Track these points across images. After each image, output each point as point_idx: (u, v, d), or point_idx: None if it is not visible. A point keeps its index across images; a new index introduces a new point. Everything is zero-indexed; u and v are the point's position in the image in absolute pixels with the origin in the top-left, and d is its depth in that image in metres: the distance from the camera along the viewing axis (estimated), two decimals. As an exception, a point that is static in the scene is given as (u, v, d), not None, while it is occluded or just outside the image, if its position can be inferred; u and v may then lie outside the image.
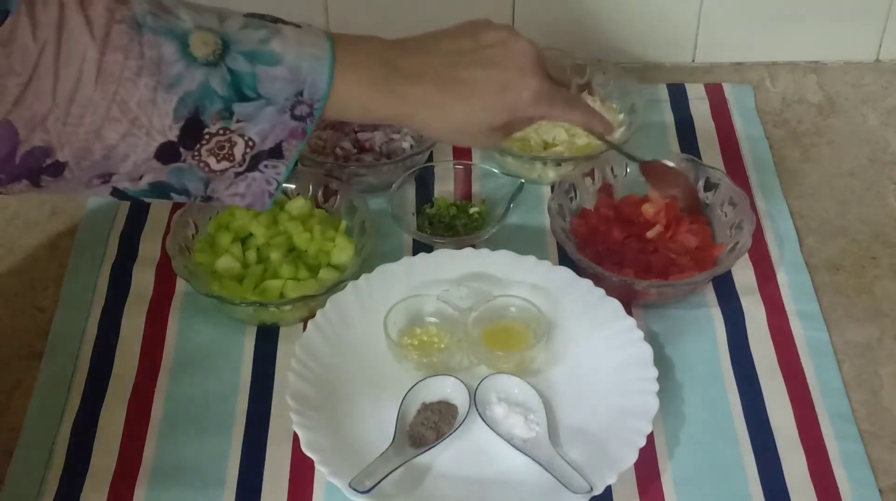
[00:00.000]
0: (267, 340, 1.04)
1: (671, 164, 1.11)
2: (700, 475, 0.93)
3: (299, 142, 0.85)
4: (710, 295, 1.08)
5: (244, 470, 0.94)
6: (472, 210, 1.15)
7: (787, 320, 1.05)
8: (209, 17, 0.81)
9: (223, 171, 0.84)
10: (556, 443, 0.92)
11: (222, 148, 0.83)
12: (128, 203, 1.17)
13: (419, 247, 1.11)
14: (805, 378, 1.00)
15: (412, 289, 1.02)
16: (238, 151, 0.83)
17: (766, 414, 0.97)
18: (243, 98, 0.82)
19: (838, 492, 0.91)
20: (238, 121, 0.82)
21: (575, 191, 1.11)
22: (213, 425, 0.97)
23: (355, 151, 1.19)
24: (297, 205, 1.11)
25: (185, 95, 0.80)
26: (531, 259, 1.04)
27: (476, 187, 1.18)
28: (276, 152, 0.85)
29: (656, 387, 0.94)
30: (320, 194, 1.13)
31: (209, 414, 0.98)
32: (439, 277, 1.03)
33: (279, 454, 0.95)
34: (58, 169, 0.79)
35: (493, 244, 1.08)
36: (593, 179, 1.13)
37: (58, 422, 0.97)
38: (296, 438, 0.91)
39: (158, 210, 1.16)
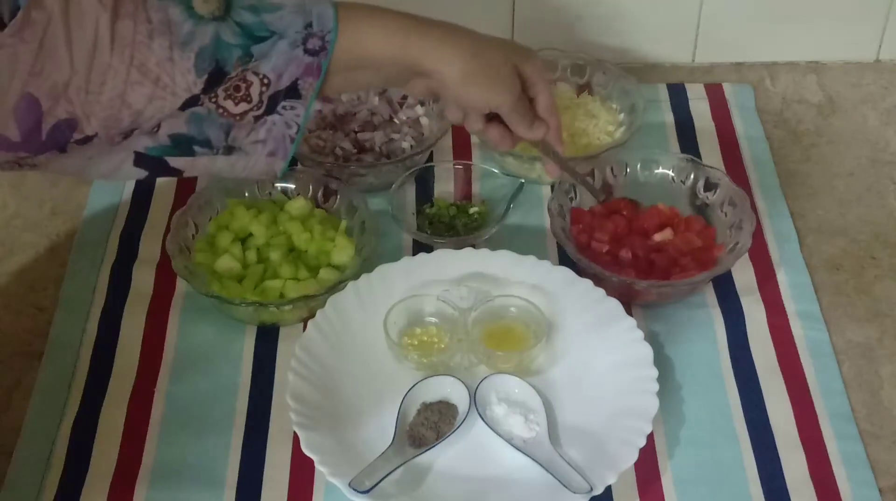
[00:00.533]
0: (267, 340, 1.04)
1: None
2: (700, 475, 0.93)
3: (315, 79, 0.86)
4: (710, 295, 1.08)
5: (244, 470, 0.94)
6: (472, 210, 1.15)
7: (787, 320, 1.05)
8: None
9: (242, 114, 0.85)
10: (556, 443, 0.93)
11: (238, 89, 0.84)
12: (128, 203, 1.17)
13: (419, 247, 1.11)
14: (805, 378, 1.00)
15: (412, 289, 1.02)
16: (254, 91, 0.84)
17: (766, 414, 0.97)
18: (258, 39, 0.83)
19: (838, 492, 0.91)
20: (257, 59, 0.84)
21: (575, 191, 1.11)
22: (213, 425, 0.97)
23: (355, 151, 1.19)
24: (297, 205, 1.11)
25: (201, 50, 0.81)
26: (531, 259, 1.04)
27: (476, 187, 1.18)
28: (292, 91, 0.85)
29: (656, 387, 0.93)
30: (320, 194, 1.13)
31: (209, 414, 0.98)
32: (439, 277, 1.03)
33: (279, 454, 0.95)
34: (86, 141, 0.80)
35: (493, 244, 1.08)
36: (593, 179, 1.13)
37: (58, 422, 0.97)
38: (296, 438, 0.91)
39: (158, 210, 1.16)
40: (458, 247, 1.07)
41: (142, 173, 0.89)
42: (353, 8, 0.87)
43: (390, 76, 0.92)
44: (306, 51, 0.84)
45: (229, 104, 0.84)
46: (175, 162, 0.89)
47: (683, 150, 1.23)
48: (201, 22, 0.81)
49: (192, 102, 0.83)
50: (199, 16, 0.81)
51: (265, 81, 0.84)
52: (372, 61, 0.90)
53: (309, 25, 0.84)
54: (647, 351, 0.96)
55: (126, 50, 0.79)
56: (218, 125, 0.85)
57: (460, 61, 0.90)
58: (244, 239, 1.09)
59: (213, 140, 0.86)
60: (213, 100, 0.84)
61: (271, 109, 0.86)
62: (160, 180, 1.19)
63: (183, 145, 0.86)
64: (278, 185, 1.13)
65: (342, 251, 1.07)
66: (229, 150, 0.87)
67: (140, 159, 0.86)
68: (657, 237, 1.07)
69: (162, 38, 0.80)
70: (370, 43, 0.88)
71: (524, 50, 0.95)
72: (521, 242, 1.11)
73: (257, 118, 0.86)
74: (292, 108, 0.86)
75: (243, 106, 0.84)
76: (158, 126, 0.84)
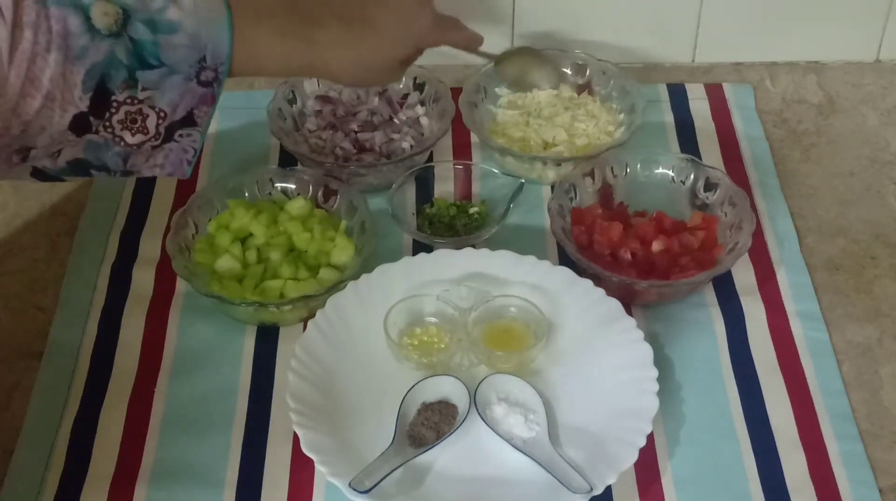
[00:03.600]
0: (267, 340, 1.04)
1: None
2: (700, 475, 0.93)
3: (210, 107, 0.88)
4: (710, 295, 1.08)
5: (244, 470, 0.94)
6: (472, 210, 1.15)
7: (787, 320, 1.05)
8: None
9: (140, 145, 0.87)
10: (556, 443, 0.92)
11: (135, 121, 0.85)
12: (128, 203, 1.17)
13: (419, 247, 1.11)
14: (805, 378, 1.00)
15: (412, 289, 1.02)
16: (151, 123, 0.85)
17: (766, 414, 0.97)
18: (146, 66, 0.84)
19: (838, 492, 0.91)
20: (143, 89, 0.84)
21: (575, 191, 1.11)
22: (213, 425, 0.97)
23: (355, 151, 1.19)
24: (297, 205, 1.11)
25: (92, 67, 0.82)
26: (531, 259, 1.04)
27: (476, 187, 1.18)
28: (188, 121, 0.87)
29: (656, 387, 0.93)
30: (320, 194, 1.13)
31: (209, 414, 0.98)
32: (439, 277, 1.03)
33: (279, 454, 0.95)
34: None
35: (493, 244, 1.08)
36: (593, 179, 1.13)
37: (58, 422, 0.97)
38: (296, 438, 0.91)
39: (158, 210, 1.16)
40: (458, 247, 1.07)
41: (37, 182, 0.90)
42: (249, 29, 0.88)
43: (290, 75, 0.96)
44: (200, 83, 0.86)
45: (126, 135, 0.86)
46: (70, 179, 0.91)
47: (683, 150, 1.23)
48: (97, 37, 0.82)
49: (81, 121, 0.84)
50: (96, 30, 0.82)
51: (161, 114, 0.86)
52: (268, 73, 0.93)
53: (203, 59, 0.86)
54: (647, 351, 0.96)
55: (24, 63, 0.80)
56: (115, 153, 0.87)
57: (351, 72, 0.95)
58: (244, 239, 1.09)
59: (110, 166, 0.88)
60: (109, 130, 0.85)
61: (168, 138, 0.88)
62: (160, 180, 1.19)
63: (80, 169, 0.88)
64: (278, 185, 1.13)
65: (342, 251, 1.07)
66: (127, 173, 0.90)
67: (37, 173, 0.88)
68: (655, 247, 1.07)
69: (58, 51, 0.81)
70: (265, 64, 0.90)
71: (418, 31, 0.97)
72: (521, 242, 1.11)
73: (154, 147, 0.88)
74: (189, 135, 0.89)
75: (140, 137, 0.87)
76: (59, 153, 0.85)
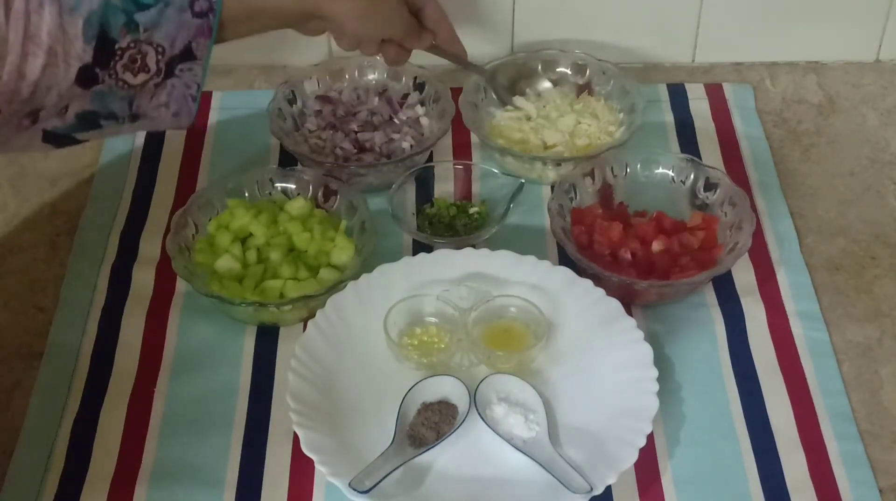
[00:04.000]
0: (267, 340, 1.04)
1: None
2: (700, 475, 0.93)
3: (207, 39, 0.88)
4: (710, 295, 1.08)
5: (244, 470, 0.94)
6: (472, 210, 1.15)
7: (787, 320, 1.05)
8: None
9: (143, 84, 0.87)
10: (556, 443, 0.93)
11: (135, 61, 0.86)
12: (128, 203, 1.17)
13: (419, 247, 1.11)
14: (805, 378, 1.00)
15: (412, 289, 1.02)
16: (151, 60, 0.86)
17: (766, 414, 0.97)
18: (141, 6, 0.84)
19: (838, 492, 0.91)
20: (145, 30, 0.85)
21: (575, 191, 1.11)
22: (213, 425, 0.97)
23: (355, 151, 1.19)
24: (297, 205, 1.11)
25: (90, 15, 0.82)
26: (531, 259, 1.04)
27: (476, 187, 1.18)
28: (187, 54, 0.88)
29: (656, 387, 0.93)
30: (320, 194, 1.13)
31: (209, 414, 0.98)
32: (439, 277, 1.03)
33: (279, 454, 0.95)
34: None
35: (493, 244, 1.08)
36: (593, 179, 1.13)
37: (58, 422, 0.97)
38: (296, 438, 0.91)
39: (158, 210, 1.16)
40: (458, 247, 1.07)
41: (50, 148, 0.91)
42: None
43: (288, 21, 0.96)
44: (194, 13, 0.87)
45: (128, 76, 0.87)
46: (82, 135, 0.91)
47: (683, 150, 1.23)
48: None
49: (87, 74, 0.84)
50: None
51: (160, 49, 0.87)
52: (266, 11, 0.93)
53: None
54: (647, 351, 0.96)
55: (20, 21, 0.80)
56: (120, 98, 0.88)
57: (355, 4, 0.96)
58: (244, 239, 1.08)
59: (117, 112, 0.89)
60: (113, 76, 0.86)
61: (169, 73, 0.89)
62: (160, 180, 1.19)
63: (89, 121, 0.89)
64: (278, 185, 1.13)
65: (342, 251, 1.07)
66: (134, 118, 0.90)
67: (48, 136, 0.89)
68: (655, 247, 1.07)
69: (52, 4, 0.81)
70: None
71: None
72: (521, 242, 1.10)
73: (157, 85, 0.89)
74: (189, 69, 0.89)
75: (142, 76, 0.87)
76: (66, 108, 0.85)
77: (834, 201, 1.19)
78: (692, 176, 1.12)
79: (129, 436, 0.96)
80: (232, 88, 1.33)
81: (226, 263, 1.05)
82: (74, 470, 0.94)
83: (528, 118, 1.23)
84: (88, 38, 0.83)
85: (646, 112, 1.20)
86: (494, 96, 1.23)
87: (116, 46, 0.84)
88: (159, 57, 0.87)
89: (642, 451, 0.90)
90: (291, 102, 1.22)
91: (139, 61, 0.86)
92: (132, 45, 0.85)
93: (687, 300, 1.07)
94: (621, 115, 1.22)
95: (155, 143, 1.24)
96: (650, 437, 0.91)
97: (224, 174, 1.17)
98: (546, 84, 1.27)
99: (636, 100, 1.21)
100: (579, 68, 1.26)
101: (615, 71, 1.25)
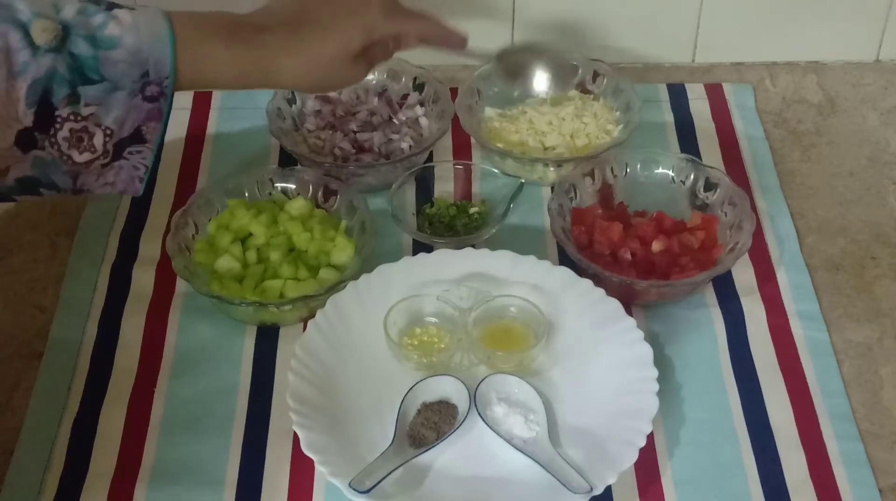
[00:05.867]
0: (267, 340, 1.04)
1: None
2: (700, 475, 0.93)
3: (158, 123, 0.87)
4: (710, 295, 1.08)
5: (244, 470, 0.94)
6: (472, 210, 1.15)
7: (787, 320, 1.05)
8: (46, 6, 0.83)
9: (88, 163, 0.86)
10: (556, 443, 0.93)
11: (81, 140, 0.85)
12: (128, 203, 1.17)
13: (419, 247, 1.11)
14: (805, 378, 1.00)
15: (412, 289, 1.02)
16: (98, 141, 0.85)
17: (766, 414, 0.97)
18: (87, 81, 0.83)
19: (838, 492, 0.91)
20: (87, 104, 0.84)
21: (575, 191, 1.11)
22: (213, 425, 0.97)
23: (354, 151, 1.19)
24: (297, 205, 1.11)
25: (34, 82, 0.82)
26: (531, 259, 1.04)
27: (476, 187, 1.18)
28: (137, 137, 0.87)
29: (656, 387, 0.93)
30: (320, 194, 1.13)
31: (209, 414, 0.98)
32: (439, 277, 1.03)
33: (279, 454, 0.95)
34: None
35: (493, 244, 1.08)
36: (593, 180, 1.13)
37: (58, 422, 0.97)
38: (296, 438, 0.91)
39: (158, 210, 1.16)
40: (458, 247, 1.07)
41: None
42: (192, 42, 0.87)
43: (244, 86, 0.93)
44: (145, 98, 0.86)
45: (74, 154, 0.86)
46: (21, 198, 0.90)
47: (683, 150, 1.23)
48: (38, 52, 0.82)
49: (27, 138, 0.83)
50: (36, 46, 0.82)
51: (107, 131, 0.86)
52: (221, 85, 0.92)
53: (146, 74, 0.85)
54: (647, 351, 0.96)
55: None
56: (63, 172, 0.86)
57: (302, 76, 0.93)
58: (244, 239, 1.09)
59: (59, 184, 0.87)
60: (55, 147, 0.85)
61: (118, 156, 0.87)
62: (160, 180, 1.19)
63: (29, 187, 0.87)
64: (278, 185, 1.13)
65: (342, 251, 1.07)
66: (78, 191, 0.89)
67: None
68: (655, 247, 1.07)
69: (0, 68, 0.81)
70: (215, 75, 0.89)
71: (365, 19, 0.94)
72: (521, 242, 1.10)
73: (104, 166, 0.87)
74: (139, 152, 0.88)
75: (87, 155, 0.86)
76: (7, 170, 0.85)
77: (834, 201, 1.19)
78: (692, 176, 1.12)
79: (128, 436, 0.96)
80: (231, 88, 1.33)
81: (226, 263, 1.06)
82: (74, 470, 0.94)
83: (525, 114, 1.22)
84: (30, 102, 0.82)
85: (646, 112, 1.20)
86: (499, 80, 1.22)
87: (56, 114, 0.83)
88: (107, 139, 0.86)
89: (642, 451, 0.90)
90: (291, 101, 1.22)
91: (86, 141, 0.85)
92: (72, 116, 0.84)
93: (687, 300, 1.07)
94: (618, 113, 1.22)
95: (155, 143, 1.24)
96: (650, 437, 0.91)
97: (224, 174, 1.17)
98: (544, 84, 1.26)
99: (631, 97, 1.21)
100: (573, 68, 1.25)
101: (610, 70, 1.25)
